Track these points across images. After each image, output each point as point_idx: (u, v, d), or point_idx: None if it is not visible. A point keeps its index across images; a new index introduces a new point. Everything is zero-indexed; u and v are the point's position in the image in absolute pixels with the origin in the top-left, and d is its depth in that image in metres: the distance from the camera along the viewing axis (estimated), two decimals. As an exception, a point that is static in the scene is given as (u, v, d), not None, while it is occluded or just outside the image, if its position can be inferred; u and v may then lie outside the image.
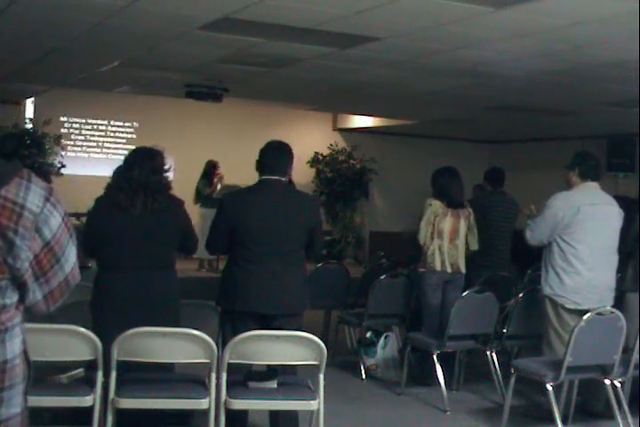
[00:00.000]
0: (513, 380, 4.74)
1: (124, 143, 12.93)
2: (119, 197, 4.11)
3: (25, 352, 1.71)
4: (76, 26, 6.40)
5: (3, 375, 1.64)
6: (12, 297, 1.67)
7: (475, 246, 6.04)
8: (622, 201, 5.26)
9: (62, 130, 12.38)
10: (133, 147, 4.79)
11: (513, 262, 7.03)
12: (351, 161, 14.12)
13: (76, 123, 12.82)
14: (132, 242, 4.12)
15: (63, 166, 11.44)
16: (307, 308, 4.36)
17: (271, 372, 4.03)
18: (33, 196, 1.65)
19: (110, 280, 4.14)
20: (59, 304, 1.79)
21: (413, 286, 6.24)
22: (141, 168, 4.14)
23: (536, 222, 5.12)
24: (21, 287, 1.67)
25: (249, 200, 4.26)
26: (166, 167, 4.26)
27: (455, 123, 12.28)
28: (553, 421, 4.54)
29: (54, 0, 5.63)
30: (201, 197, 11.07)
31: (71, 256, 1.76)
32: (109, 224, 4.13)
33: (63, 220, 1.72)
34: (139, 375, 3.92)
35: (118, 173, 4.23)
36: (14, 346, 1.67)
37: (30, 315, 1.76)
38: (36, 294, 1.71)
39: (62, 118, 12.55)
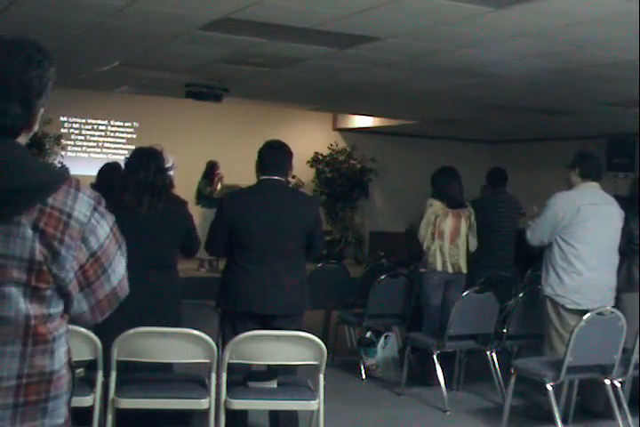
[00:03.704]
0: (513, 380, 4.74)
1: (123, 143, 12.94)
2: (125, 197, 4.12)
3: (69, 362, 1.69)
4: (76, 26, 6.40)
5: (49, 386, 1.61)
6: (58, 307, 1.64)
7: (473, 247, 6.03)
8: (622, 201, 5.26)
9: (62, 130, 12.40)
10: (133, 147, 4.81)
11: (514, 262, 7.03)
12: (351, 161, 14.14)
13: (76, 123, 12.83)
14: (134, 242, 4.11)
15: (63, 166, 11.45)
16: (307, 308, 4.36)
17: (271, 372, 4.03)
18: (80, 205, 1.61)
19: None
20: (106, 316, 1.76)
21: (413, 286, 6.25)
22: (147, 168, 4.17)
23: (536, 222, 5.12)
24: (66, 297, 1.64)
25: (249, 200, 4.26)
26: (169, 165, 4.29)
27: (455, 123, 12.28)
28: (553, 421, 4.54)
29: (54, 0, 5.64)
30: (201, 197, 11.08)
31: (119, 268, 1.74)
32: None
33: (111, 230, 1.69)
34: (139, 375, 3.92)
35: (125, 174, 4.25)
36: (61, 356, 1.65)
37: (77, 325, 1.74)
38: (81, 304, 1.68)
39: (62, 118, 12.56)
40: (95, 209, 1.64)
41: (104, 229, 1.67)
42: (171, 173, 4.34)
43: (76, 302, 1.67)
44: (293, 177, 12.26)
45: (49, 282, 1.59)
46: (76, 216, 1.60)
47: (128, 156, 4.43)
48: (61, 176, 1.62)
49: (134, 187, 4.14)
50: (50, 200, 1.57)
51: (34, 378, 1.59)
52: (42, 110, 1.67)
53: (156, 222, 4.16)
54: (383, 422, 5.16)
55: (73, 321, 1.72)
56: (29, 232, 1.55)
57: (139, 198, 4.13)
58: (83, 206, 1.61)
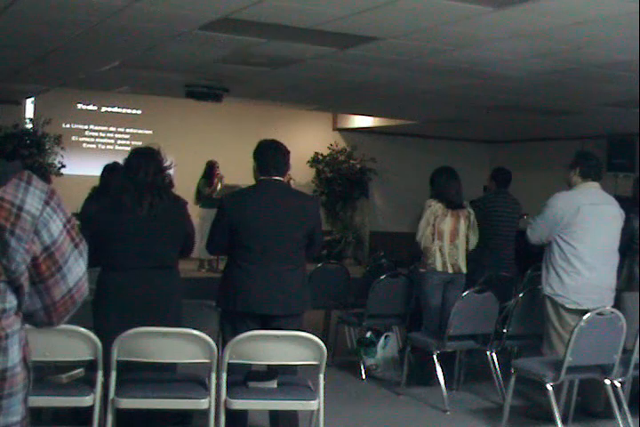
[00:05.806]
0: (513, 380, 4.74)
1: (124, 144, 12.92)
2: (123, 198, 4.11)
3: (25, 359, 1.69)
4: (76, 26, 6.39)
5: (3, 384, 1.61)
6: (12, 301, 1.64)
7: (473, 245, 6.04)
8: (622, 201, 5.26)
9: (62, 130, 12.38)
10: (133, 146, 4.79)
11: (514, 262, 7.03)
12: (351, 161, 14.13)
13: (77, 123, 12.81)
14: (136, 242, 4.12)
15: (63, 166, 11.45)
16: (307, 308, 4.36)
17: (271, 372, 4.03)
18: (32, 198, 1.62)
19: (113, 280, 4.14)
20: (65, 320, 1.75)
21: (413, 286, 6.25)
22: (146, 169, 4.16)
23: (536, 221, 5.13)
24: (18, 291, 1.64)
25: (249, 200, 4.26)
26: (167, 164, 4.27)
27: (455, 123, 12.27)
28: (553, 421, 4.54)
29: (54, 0, 5.63)
30: (201, 197, 11.08)
31: (76, 269, 1.70)
32: (113, 225, 4.12)
33: (65, 227, 1.68)
34: (139, 375, 3.92)
35: (124, 175, 4.24)
36: (14, 353, 1.64)
37: (33, 325, 1.73)
38: (34, 300, 1.67)
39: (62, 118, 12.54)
40: (47, 203, 1.65)
41: (57, 224, 1.66)
42: (170, 171, 4.33)
43: (29, 297, 1.67)
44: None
45: (0, 275, 1.60)
46: (27, 209, 1.61)
47: (126, 157, 4.41)
48: (11, 170, 1.63)
49: (133, 188, 4.13)
50: None
51: None
52: None
53: (157, 222, 4.16)
54: (383, 422, 5.16)
55: (27, 320, 1.70)
56: None
57: (138, 200, 4.12)
58: (34, 200, 1.62)
